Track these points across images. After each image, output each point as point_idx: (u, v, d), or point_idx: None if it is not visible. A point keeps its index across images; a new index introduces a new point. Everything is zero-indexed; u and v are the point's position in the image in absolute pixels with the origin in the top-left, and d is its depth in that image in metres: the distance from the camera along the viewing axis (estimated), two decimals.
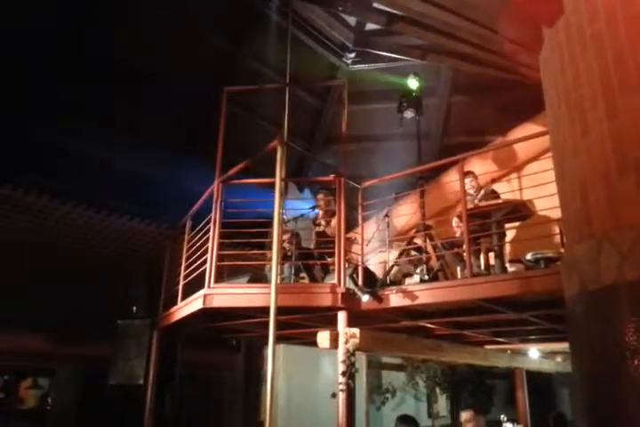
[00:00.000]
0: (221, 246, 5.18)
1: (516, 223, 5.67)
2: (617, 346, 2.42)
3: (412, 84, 6.22)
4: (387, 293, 4.91)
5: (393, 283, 5.27)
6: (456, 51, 5.62)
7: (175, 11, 6.77)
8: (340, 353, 4.81)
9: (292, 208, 6.34)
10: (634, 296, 2.41)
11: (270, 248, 4.61)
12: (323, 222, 6.10)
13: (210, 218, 5.28)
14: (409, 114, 6.16)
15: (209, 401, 8.41)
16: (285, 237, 5.63)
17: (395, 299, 4.86)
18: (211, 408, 8.42)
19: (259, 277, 5.59)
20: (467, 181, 5.65)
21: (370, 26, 7.95)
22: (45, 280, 6.75)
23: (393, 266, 5.39)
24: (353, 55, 8.50)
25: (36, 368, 8.33)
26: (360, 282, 5.11)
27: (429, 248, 5.59)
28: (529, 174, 5.99)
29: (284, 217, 5.58)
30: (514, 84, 5.73)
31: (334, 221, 5.45)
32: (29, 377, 8.57)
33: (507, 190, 6.54)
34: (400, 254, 5.57)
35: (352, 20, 8.10)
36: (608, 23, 2.78)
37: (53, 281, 6.79)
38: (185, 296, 5.75)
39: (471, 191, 5.87)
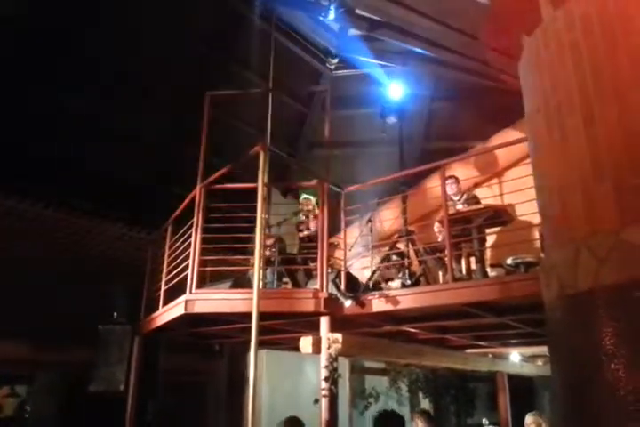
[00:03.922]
0: (203, 251, 5.15)
1: (497, 228, 5.73)
2: (594, 350, 2.45)
3: (395, 89, 6.27)
4: (369, 298, 4.92)
5: (375, 288, 5.29)
6: (438, 57, 5.68)
7: (159, 15, 6.75)
8: (323, 358, 4.81)
9: (275, 213, 6.34)
10: (610, 301, 2.45)
11: (253, 253, 4.59)
12: (311, 226, 6.10)
13: (192, 223, 5.26)
14: (391, 119, 6.21)
15: (191, 408, 8.33)
16: (269, 242, 5.63)
17: (377, 304, 4.87)
18: (193, 415, 8.34)
19: (242, 281, 5.57)
20: (449, 182, 5.70)
21: (353, 32, 7.99)
22: (23, 285, 6.65)
23: (375, 271, 5.41)
24: (336, 61, 8.53)
25: (14, 375, 8.18)
26: (343, 287, 5.12)
27: (412, 253, 5.62)
28: (510, 180, 6.05)
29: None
30: (494, 90, 5.82)
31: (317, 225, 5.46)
32: (6, 385, 8.42)
33: (488, 196, 6.60)
34: (382, 259, 5.59)
35: (335, 26, 8.14)
36: (584, 32, 2.84)
37: (32, 285, 6.69)
38: (167, 302, 5.71)
39: (453, 197, 5.91)
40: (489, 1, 3.63)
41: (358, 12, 6.28)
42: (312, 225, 6.01)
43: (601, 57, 2.74)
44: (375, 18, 5.84)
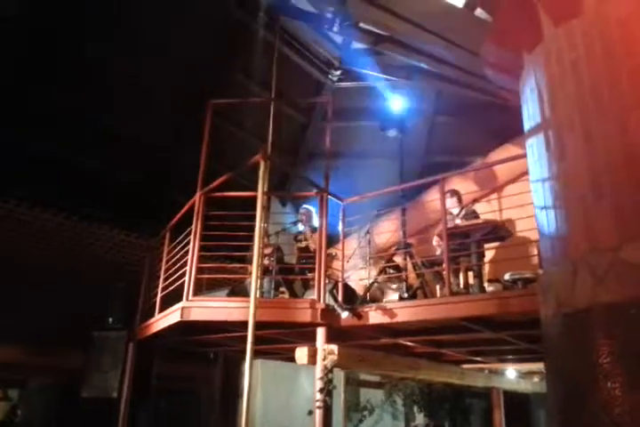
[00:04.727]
0: (201, 259, 5.15)
1: (496, 243, 5.73)
2: (590, 368, 2.45)
3: (396, 103, 6.31)
4: (366, 310, 4.91)
5: (373, 300, 5.28)
6: (440, 72, 5.72)
7: (162, 22, 6.79)
8: (318, 370, 4.78)
9: (273, 222, 6.35)
10: (607, 319, 2.45)
11: (251, 262, 4.59)
12: (307, 236, 6.10)
13: (190, 230, 5.26)
14: (392, 132, 6.24)
15: (184, 416, 8.28)
16: (267, 251, 5.63)
17: (374, 316, 4.86)
18: (186, 422, 8.29)
19: (239, 290, 5.56)
20: (448, 195, 5.71)
21: (356, 44, 8.04)
22: (18, 289, 6.64)
23: (373, 283, 5.41)
24: (339, 73, 8.57)
25: (6, 379, 8.13)
26: (340, 298, 5.11)
27: (409, 266, 5.62)
28: (509, 195, 6.08)
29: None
30: (495, 106, 5.83)
31: (316, 236, 5.47)
32: None
33: (487, 211, 6.62)
34: (380, 272, 5.59)
35: (339, 38, 8.20)
36: (586, 51, 2.86)
37: (27, 289, 6.67)
38: (163, 308, 5.69)
39: (454, 210, 5.91)
40: (491, 18, 3.67)
41: (362, 25, 6.33)
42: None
43: (601, 76, 2.76)
44: (379, 32, 5.89)
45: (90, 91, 6.61)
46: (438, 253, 5.72)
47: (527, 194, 3.62)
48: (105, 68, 6.65)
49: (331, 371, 4.76)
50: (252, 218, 4.58)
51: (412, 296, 5.22)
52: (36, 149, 6.39)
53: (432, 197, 6.88)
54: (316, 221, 5.94)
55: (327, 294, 5.02)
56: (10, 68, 5.97)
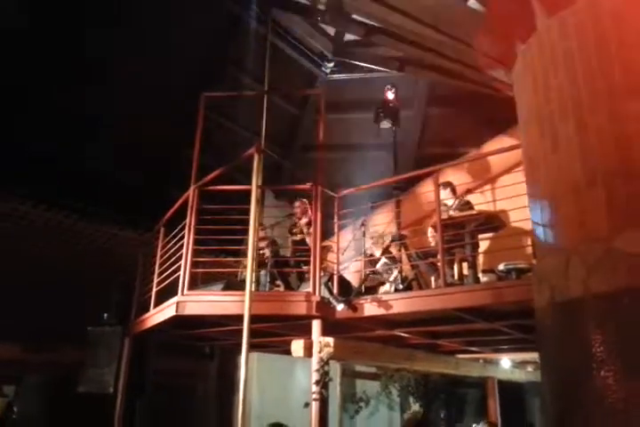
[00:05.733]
0: (196, 253, 5.14)
1: (490, 234, 5.75)
2: (584, 357, 2.47)
3: (390, 95, 6.30)
4: (361, 302, 4.93)
5: (368, 292, 5.30)
6: (433, 64, 5.70)
7: (159, 20, 6.74)
8: (314, 362, 4.80)
9: (267, 216, 6.34)
10: (600, 309, 2.46)
11: (246, 255, 4.59)
12: (303, 229, 6.09)
13: (184, 224, 5.25)
14: (386, 124, 6.23)
15: (181, 410, 8.29)
16: (263, 244, 5.62)
17: (369, 308, 4.88)
18: (182, 418, 8.30)
19: (234, 283, 5.55)
20: (445, 190, 5.72)
21: (349, 36, 8.01)
22: (12, 285, 6.60)
23: (368, 275, 5.41)
24: (331, 65, 8.55)
25: (1, 376, 8.11)
26: (335, 291, 5.12)
27: (404, 257, 5.63)
28: (503, 186, 6.09)
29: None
30: (489, 97, 5.82)
31: (311, 229, 5.46)
32: None
33: (481, 202, 6.63)
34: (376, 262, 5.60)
35: (331, 30, 8.17)
36: (579, 42, 2.87)
37: (21, 286, 6.64)
38: (158, 303, 5.69)
39: (448, 202, 5.92)
40: (484, 8, 3.66)
41: (355, 17, 6.30)
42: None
43: (594, 66, 2.77)
44: (372, 23, 5.86)
45: (90, 91, 6.56)
46: (433, 244, 5.73)
47: (521, 185, 3.62)
48: (105, 68, 6.60)
49: (327, 363, 4.78)
50: (247, 211, 4.58)
51: (407, 288, 5.24)
52: (36, 148, 6.34)
53: (426, 189, 6.89)
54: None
55: (322, 287, 5.03)
56: (10, 67, 5.92)
